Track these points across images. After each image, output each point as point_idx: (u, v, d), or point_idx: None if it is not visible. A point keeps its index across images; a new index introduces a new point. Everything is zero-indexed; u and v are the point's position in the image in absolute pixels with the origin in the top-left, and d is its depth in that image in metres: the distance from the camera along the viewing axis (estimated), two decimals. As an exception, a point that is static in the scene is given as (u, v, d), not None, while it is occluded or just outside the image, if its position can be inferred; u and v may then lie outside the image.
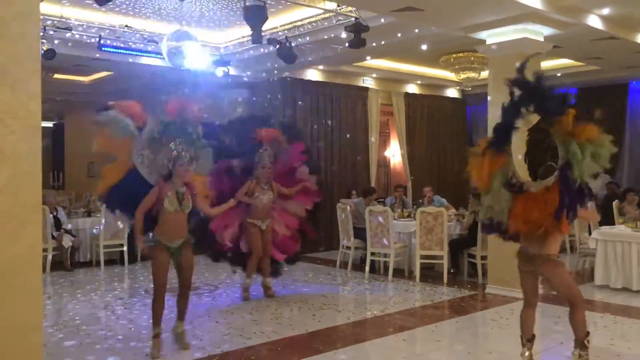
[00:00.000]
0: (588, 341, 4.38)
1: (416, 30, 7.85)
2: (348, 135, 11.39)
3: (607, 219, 8.83)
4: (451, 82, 12.58)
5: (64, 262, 8.85)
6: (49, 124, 20.00)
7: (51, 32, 7.73)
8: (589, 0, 6.77)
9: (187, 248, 4.97)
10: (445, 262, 7.96)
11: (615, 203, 9.24)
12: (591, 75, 11.08)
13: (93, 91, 13.53)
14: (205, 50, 8.30)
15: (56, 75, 11.84)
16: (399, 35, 8.12)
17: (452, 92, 13.71)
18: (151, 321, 4.97)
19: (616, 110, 12.66)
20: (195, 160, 5.05)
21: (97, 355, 4.92)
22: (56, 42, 8.00)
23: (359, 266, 8.95)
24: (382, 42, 8.37)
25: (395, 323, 6.07)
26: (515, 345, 5.21)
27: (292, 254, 7.32)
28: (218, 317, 6.13)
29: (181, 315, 5.11)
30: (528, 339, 4.52)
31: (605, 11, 7.14)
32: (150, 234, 4.94)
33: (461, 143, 13.82)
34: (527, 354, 4.48)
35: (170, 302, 5.21)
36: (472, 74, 10.37)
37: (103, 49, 8.13)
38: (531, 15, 6.71)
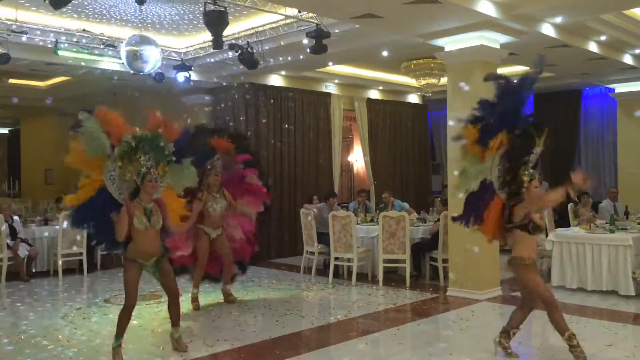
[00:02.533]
0: (571, 337, 4.63)
1: (376, 37, 7.95)
2: (311, 141, 11.43)
3: (562, 221, 9.10)
4: (412, 87, 12.77)
5: (20, 272, 8.60)
6: (5, 130, 19.47)
7: (6, 36, 7.52)
8: (543, 9, 6.97)
9: (163, 262, 4.97)
10: (407, 266, 8.06)
11: (570, 206, 9.53)
12: (546, 81, 11.40)
13: (50, 96, 13.22)
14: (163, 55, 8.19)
15: (11, 80, 11.53)
16: (360, 41, 8.21)
17: (414, 98, 13.91)
18: (114, 332, 4.87)
19: (570, 115, 13.09)
20: (164, 176, 5.01)
21: (54, 367, 4.81)
22: (11, 46, 7.77)
23: (322, 271, 8.98)
24: (344, 48, 8.44)
25: (359, 327, 6.11)
26: (475, 345, 5.34)
27: (248, 259, 7.30)
28: (180, 324, 6.04)
29: (175, 322, 5.17)
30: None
31: (559, 20, 7.37)
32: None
33: (423, 147, 14.05)
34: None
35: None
36: (432, 80, 10.54)
37: (59, 53, 7.95)
38: (487, 23, 6.88)
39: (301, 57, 8.90)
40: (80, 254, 9.10)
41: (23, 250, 8.62)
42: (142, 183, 4.77)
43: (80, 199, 4.86)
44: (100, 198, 4.85)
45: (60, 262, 8.90)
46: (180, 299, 5.35)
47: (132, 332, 5.39)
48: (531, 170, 4.69)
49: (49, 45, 7.98)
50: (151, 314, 6.52)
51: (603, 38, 8.42)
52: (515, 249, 4.75)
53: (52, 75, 11.52)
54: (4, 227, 8.42)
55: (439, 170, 15.02)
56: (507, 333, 4.98)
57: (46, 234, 9.18)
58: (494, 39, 7.39)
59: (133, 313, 4.91)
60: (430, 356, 5.06)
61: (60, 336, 5.72)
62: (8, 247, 8.47)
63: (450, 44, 7.47)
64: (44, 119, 15.41)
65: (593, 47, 8.57)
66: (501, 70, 10.07)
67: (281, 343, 5.45)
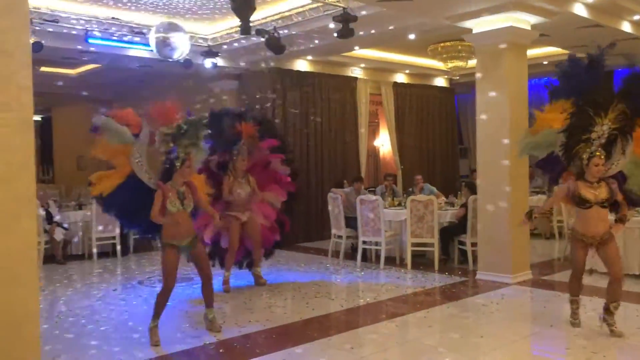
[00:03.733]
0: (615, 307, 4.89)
1: (403, 20, 7.89)
2: (337, 126, 11.43)
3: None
4: (439, 71, 12.65)
5: (56, 255, 8.86)
6: (37, 118, 19.85)
7: (37, 26, 7.66)
8: (575, -12, 6.84)
9: (196, 243, 5.08)
10: (436, 250, 8.05)
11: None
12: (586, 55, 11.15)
13: (80, 84, 13.43)
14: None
15: (43, 69, 11.73)
16: (387, 25, 8.16)
17: (441, 81, 13.78)
18: (150, 313, 5.02)
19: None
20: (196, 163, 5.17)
21: (95, 345, 4.96)
22: (43, 35, 7.92)
23: (350, 255, 9.03)
24: (370, 32, 8.40)
25: (388, 310, 6.16)
26: (506, 329, 5.34)
27: (270, 246, 7.40)
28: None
29: (209, 303, 5.31)
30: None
31: (591, -1, 7.22)
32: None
33: (450, 131, 13.94)
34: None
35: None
36: (460, 63, 10.42)
37: (90, 41, 8.08)
38: (517, 4, 6.77)
39: (328, 41, 8.88)
40: (114, 237, 9.32)
41: (59, 234, 8.86)
42: (181, 168, 4.88)
43: (108, 187, 5.00)
44: (128, 184, 4.99)
45: (94, 246, 9.12)
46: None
47: (166, 312, 5.49)
48: (593, 149, 4.72)
49: (80, 34, 8.12)
50: (184, 296, 6.66)
51: (637, 17, 8.21)
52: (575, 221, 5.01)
53: (82, 63, 11.69)
54: (41, 211, 8.66)
55: (466, 154, 14.90)
56: (607, 310, 5.01)
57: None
58: (524, 20, 7.27)
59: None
60: (460, 338, 5.08)
61: (97, 316, 5.90)
62: (45, 231, 8.71)
63: (479, 25, 7.37)
64: (75, 106, 15.68)
65: (627, 27, 8.35)
66: (532, 52, 9.96)
67: (311, 324, 5.54)
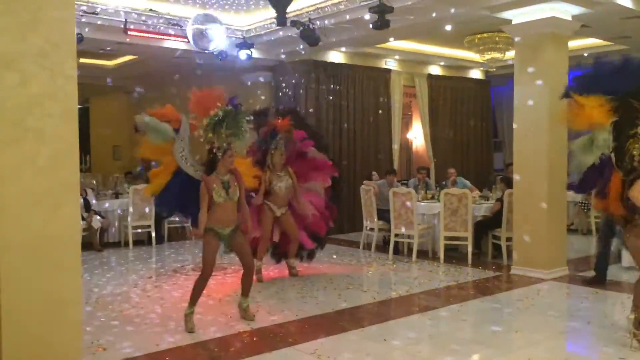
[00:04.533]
0: None
1: (440, 11, 7.78)
2: (370, 118, 11.38)
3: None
4: (475, 63, 12.45)
5: (94, 242, 9.07)
6: (75, 108, 20.32)
7: (79, 17, 7.81)
8: (619, -22, 6.64)
9: (238, 233, 5.12)
10: (469, 244, 7.97)
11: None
12: (619, 55, 10.86)
13: (118, 75, 13.69)
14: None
15: (81, 60, 11.99)
16: (424, 16, 8.05)
17: (476, 73, 13.57)
18: (189, 299, 5.12)
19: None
20: (239, 150, 5.23)
21: (132, 331, 5.08)
22: (84, 27, 8.09)
23: (382, 247, 9.01)
24: (406, 24, 8.30)
25: (420, 303, 6.13)
26: (541, 325, 5.25)
27: (324, 234, 7.43)
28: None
29: (245, 292, 5.36)
30: None
31: (636, -12, 7.01)
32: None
33: (484, 124, 13.73)
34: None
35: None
36: (497, 55, 10.23)
37: (129, 32, 8.21)
38: (559, -6, 6.62)
39: (363, 33, 8.83)
40: (149, 226, 9.49)
41: (96, 222, 9.07)
42: (223, 157, 4.93)
43: (158, 185, 5.12)
44: (176, 180, 5.09)
45: (130, 234, 9.32)
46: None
47: (201, 301, 5.60)
48: None
49: (119, 25, 8.25)
50: (218, 285, 6.75)
51: (684, 7, 7.93)
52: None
53: (119, 55, 11.91)
54: (79, 200, 8.87)
55: (501, 148, 14.67)
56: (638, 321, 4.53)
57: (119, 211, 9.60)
58: (565, 10, 7.10)
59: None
60: (494, 333, 5.03)
61: (133, 302, 6.04)
62: (83, 218, 8.93)
63: (519, 16, 7.23)
64: (112, 97, 16.00)
65: (673, 17, 8.08)
66: (573, 43, 9.70)
67: (344, 316, 5.55)
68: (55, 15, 3.41)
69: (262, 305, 5.89)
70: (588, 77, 4.80)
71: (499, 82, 13.59)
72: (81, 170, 15.02)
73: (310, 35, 8.10)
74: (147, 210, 9.35)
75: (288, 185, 6.86)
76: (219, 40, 7.33)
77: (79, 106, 16.03)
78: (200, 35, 7.16)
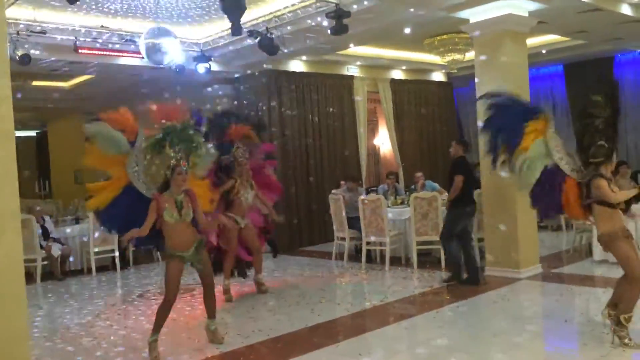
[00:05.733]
0: (626, 319, 4.36)
1: (398, 14, 7.71)
2: (335, 126, 11.25)
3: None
4: (436, 65, 12.46)
5: (54, 271, 8.65)
6: (33, 133, 19.73)
7: (25, 37, 7.49)
8: (572, -28, 6.66)
9: (200, 251, 4.86)
10: (442, 247, 7.84)
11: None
12: (577, 50, 10.98)
13: (75, 97, 13.28)
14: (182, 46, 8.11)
15: (35, 82, 11.58)
16: (381, 19, 7.97)
17: (438, 76, 13.59)
18: (151, 326, 4.84)
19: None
20: (194, 167, 4.95)
21: (92, 364, 4.79)
22: (31, 46, 7.75)
23: (355, 257, 8.84)
24: (364, 28, 8.19)
25: (396, 312, 5.98)
26: (518, 326, 5.14)
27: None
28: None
29: (211, 314, 5.10)
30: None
31: (590, -18, 7.04)
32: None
33: (450, 126, 13.75)
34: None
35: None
36: (458, 56, 10.23)
37: (80, 51, 7.91)
38: (514, -10, 6.60)
39: (322, 40, 8.70)
40: (113, 250, 9.12)
41: (56, 250, 8.67)
42: (172, 176, 4.68)
43: (104, 200, 4.81)
44: (125, 197, 4.79)
45: (93, 260, 8.93)
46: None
47: (167, 325, 5.32)
48: (603, 143, 4.44)
49: (69, 44, 7.94)
50: (185, 307, 6.48)
51: (637, 0, 8.03)
52: (599, 225, 4.48)
53: (74, 75, 11.53)
54: (36, 227, 8.48)
55: (468, 148, 14.67)
56: (617, 320, 4.43)
57: (84, 238, 9.20)
58: (522, 7, 7.09)
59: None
60: (473, 339, 4.89)
61: (96, 332, 5.72)
62: (41, 247, 8.53)
63: (476, 14, 7.20)
64: (70, 119, 15.51)
65: (626, 9, 8.15)
66: (531, 41, 9.75)
67: (318, 331, 5.35)
68: (-18, 32, 3.16)
69: (232, 326, 5.64)
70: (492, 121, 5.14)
71: (462, 84, 13.66)
72: (40, 197, 14.58)
73: (268, 44, 7.93)
74: (109, 235, 8.95)
75: (252, 197, 6.65)
76: (173, 54, 7.08)
77: (37, 131, 15.58)
78: (153, 49, 6.90)
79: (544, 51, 10.97)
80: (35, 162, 19.81)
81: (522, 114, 4.91)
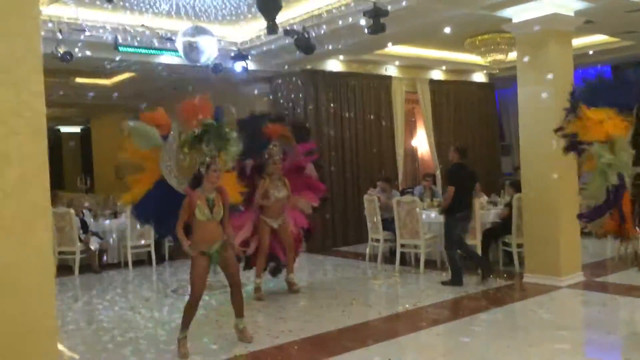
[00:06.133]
0: None
1: (437, 13, 7.54)
2: (372, 126, 11.12)
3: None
4: (478, 66, 12.18)
5: (92, 264, 8.83)
6: (77, 129, 20.30)
7: (67, 35, 7.65)
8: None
9: (226, 249, 4.84)
10: (479, 252, 7.65)
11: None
12: (625, 51, 10.55)
13: (117, 94, 13.54)
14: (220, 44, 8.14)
15: (78, 79, 11.87)
16: (420, 18, 7.81)
17: (479, 77, 13.30)
18: (180, 322, 4.85)
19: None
20: (227, 164, 4.95)
21: (127, 355, 4.81)
22: (73, 44, 7.92)
23: (389, 259, 8.70)
24: (403, 27, 8.05)
25: (429, 317, 5.83)
26: (557, 336, 4.93)
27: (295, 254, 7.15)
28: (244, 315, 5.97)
29: (239, 313, 5.07)
30: None
31: (640, -21, 6.73)
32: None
33: (491, 128, 13.43)
34: None
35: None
36: (500, 56, 9.96)
37: (120, 49, 8.03)
38: (560, -12, 6.36)
39: (359, 39, 8.60)
40: (149, 245, 9.25)
41: (94, 243, 8.85)
42: (207, 173, 4.68)
43: (138, 194, 4.85)
44: (158, 191, 4.82)
45: (129, 254, 9.08)
46: (243, 289, 5.26)
47: (197, 321, 5.34)
48: None
49: (110, 42, 8.08)
50: (217, 304, 6.49)
51: (692, -3, 7.64)
52: None
53: (116, 73, 11.76)
54: (76, 221, 8.67)
55: (509, 152, 14.32)
56: None
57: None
58: (568, 6, 6.83)
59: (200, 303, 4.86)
60: (507, 347, 4.71)
61: (126, 326, 5.77)
62: (80, 240, 8.72)
63: (519, 13, 6.97)
64: (112, 116, 15.88)
65: (680, 8, 7.78)
66: (577, 41, 9.41)
67: (348, 334, 5.26)
68: (17, 28, 3.19)
69: (261, 325, 5.62)
70: (590, 91, 4.58)
71: (504, 85, 13.31)
72: (81, 191, 14.94)
73: (304, 43, 7.86)
74: (146, 230, 9.09)
75: (282, 197, 6.60)
76: (210, 52, 7.10)
77: (81, 127, 16.01)
78: (190, 47, 6.93)
79: (590, 52, 10.57)
80: (79, 156, 20.39)
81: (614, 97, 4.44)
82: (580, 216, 4.88)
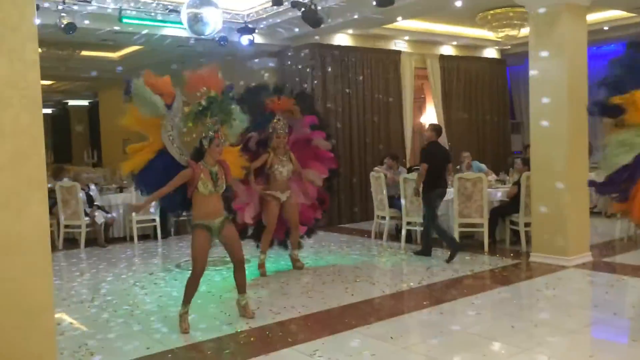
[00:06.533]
0: None
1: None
2: (381, 102, 10.97)
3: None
4: (489, 41, 11.94)
5: (98, 238, 8.85)
6: (85, 102, 20.26)
7: (71, 5, 7.54)
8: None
9: (227, 224, 4.82)
10: (485, 231, 7.57)
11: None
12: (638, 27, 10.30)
13: (124, 67, 13.44)
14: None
15: (84, 52, 11.76)
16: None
17: (491, 52, 13.04)
18: (182, 298, 4.83)
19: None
20: (229, 138, 4.88)
21: (128, 331, 4.82)
22: (76, 15, 7.80)
23: (394, 236, 8.64)
24: (413, 0, 7.87)
25: (433, 295, 5.78)
26: (563, 317, 4.87)
27: (311, 224, 7.15)
28: (247, 291, 5.94)
29: (241, 289, 5.05)
30: None
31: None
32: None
33: (501, 105, 13.22)
34: None
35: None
36: (512, 31, 9.74)
37: (124, 20, 7.91)
38: (576, -40, 6.14)
39: (369, 12, 8.41)
40: (154, 220, 9.24)
41: (100, 217, 8.85)
42: (209, 146, 4.62)
43: (138, 163, 4.77)
44: (160, 161, 4.74)
45: (135, 229, 9.08)
46: (247, 265, 5.22)
47: (200, 297, 5.34)
48: None
49: (114, 14, 7.95)
50: (219, 280, 6.47)
51: None
52: None
53: (122, 46, 11.64)
54: (82, 195, 8.66)
55: (519, 129, 14.12)
56: None
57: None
58: (583, -21, 6.62)
59: (202, 278, 4.83)
60: (512, 328, 4.65)
61: (131, 300, 5.77)
62: (86, 214, 8.72)
63: (533, -13, 6.77)
64: (120, 89, 15.80)
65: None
66: (591, 17, 9.15)
67: (350, 311, 5.22)
68: (9, -3, 3.09)
69: (264, 301, 5.59)
70: (622, 75, 4.32)
71: (516, 62, 13.06)
72: (88, 165, 14.97)
73: (312, 16, 7.71)
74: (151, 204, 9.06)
75: (289, 171, 6.52)
76: (215, 24, 6.97)
77: (89, 101, 15.97)
78: (195, 19, 6.81)
79: (605, 28, 10.31)
80: (87, 130, 20.40)
81: None
82: (591, 183, 4.77)
